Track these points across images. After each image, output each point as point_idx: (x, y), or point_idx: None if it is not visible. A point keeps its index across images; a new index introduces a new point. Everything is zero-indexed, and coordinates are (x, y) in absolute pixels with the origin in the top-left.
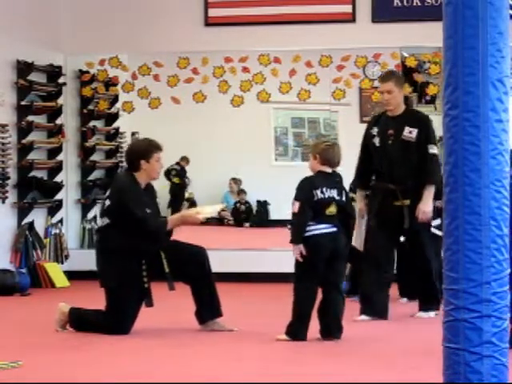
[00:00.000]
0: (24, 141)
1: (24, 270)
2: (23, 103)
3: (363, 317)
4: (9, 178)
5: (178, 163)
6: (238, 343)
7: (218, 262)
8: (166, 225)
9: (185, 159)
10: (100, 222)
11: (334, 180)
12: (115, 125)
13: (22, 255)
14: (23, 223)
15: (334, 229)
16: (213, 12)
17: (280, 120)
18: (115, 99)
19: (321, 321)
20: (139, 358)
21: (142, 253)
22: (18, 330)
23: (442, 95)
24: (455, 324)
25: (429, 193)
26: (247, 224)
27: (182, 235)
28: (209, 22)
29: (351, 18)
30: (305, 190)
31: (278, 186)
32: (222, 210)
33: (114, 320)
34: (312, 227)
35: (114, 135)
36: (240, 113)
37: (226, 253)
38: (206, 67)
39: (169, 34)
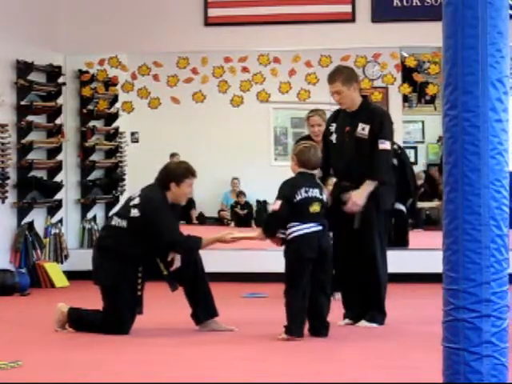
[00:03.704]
0: (23, 141)
1: (24, 270)
2: (23, 103)
3: (347, 320)
4: (8, 178)
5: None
6: (238, 343)
7: (218, 262)
8: (200, 244)
9: (175, 155)
10: (114, 220)
11: (315, 180)
12: (115, 125)
13: (22, 255)
14: (23, 223)
15: (320, 227)
16: (212, 12)
17: (280, 120)
18: (115, 99)
19: (308, 320)
20: (139, 357)
21: (140, 260)
22: (17, 330)
23: (442, 95)
24: (455, 324)
25: (367, 186)
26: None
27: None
28: (208, 22)
29: (351, 18)
30: (287, 189)
31: (277, 186)
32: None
33: (113, 320)
34: (297, 227)
35: (113, 135)
36: (240, 113)
37: (226, 253)
38: (205, 67)
39: (168, 34)
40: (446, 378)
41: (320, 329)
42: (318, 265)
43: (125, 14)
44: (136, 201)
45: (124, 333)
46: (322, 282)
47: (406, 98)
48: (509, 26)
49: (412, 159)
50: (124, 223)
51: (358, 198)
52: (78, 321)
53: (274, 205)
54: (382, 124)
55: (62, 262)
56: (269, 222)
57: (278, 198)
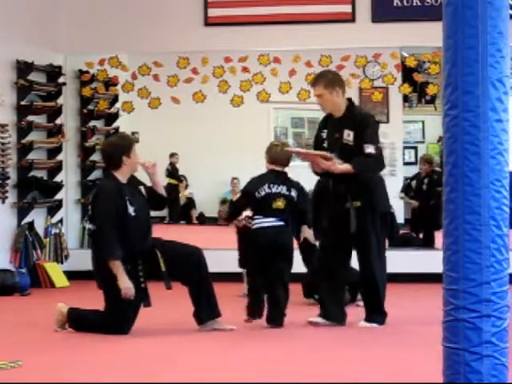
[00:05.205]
0: (24, 141)
1: (24, 270)
2: (23, 103)
3: (319, 319)
4: (9, 178)
5: (170, 163)
6: (238, 343)
7: (218, 262)
8: (113, 258)
9: (174, 155)
10: (89, 225)
11: (284, 178)
12: (115, 125)
13: (22, 255)
14: (23, 223)
15: (280, 223)
16: (212, 12)
17: (280, 120)
18: (115, 99)
19: (267, 308)
20: (139, 357)
21: (135, 253)
22: (17, 330)
23: (442, 95)
24: (455, 324)
25: (347, 166)
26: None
27: (180, 235)
28: (208, 22)
29: (351, 18)
30: (250, 185)
31: None
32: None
33: (114, 321)
34: (258, 220)
35: (113, 135)
36: (240, 113)
37: (226, 253)
38: (205, 67)
39: (168, 34)
40: (446, 378)
41: (275, 318)
42: (277, 257)
43: (125, 13)
44: (90, 198)
45: (124, 333)
46: (280, 273)
47: (406, 98)
48: (509, 26)
49: (412, 159)
50: (93, 225)
51: (336, 166)
52: (78, 321)
53: (236, 195)
54: (366, 129)
55: (62, 262)
56: (228, 211)
57: (241, 191)
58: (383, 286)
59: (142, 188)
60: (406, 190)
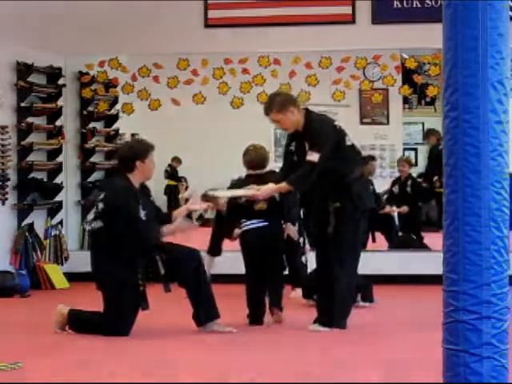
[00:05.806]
0: (24, 142)
1: (24, 272)
2: (23, 105)
3: (317, 327)
4: (9, 180)
5: (169, 164)
6: (238, 344)
7: (218, 264)
8: (159, 233)
9: (176, 159)
10: (93, 224)
11: (263, 180)
12: (115, 126)
13: (22, 257)
14: (23, 225)
15: (264, 223)
16: (212, 13)
17: None
18: (115, 101)
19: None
20: (139, 359)
21: (135, 255)
22: (17, 332)
23: (442, 97)
24: (455, 325)
25: (279, 186)
26: None
27: (181, 235)
28: (209, 24)
29: (351, 20)
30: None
31: None
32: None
33: (113, 322)
34: (244, 223)
35: (113, 137)
36: (240, 114)
37: (226, 254)
38: (205, 69)
39: (169, 36)
40: (446, 380)
41: (273, 302)
42: (267, 258)
43: (125, 15)
44: (102, 195)
45: (124, 334)
46: (271, 269)
47: (406, 100)
48: (509, 28)
49: (412, 161)
50: (100, 223)
51: (263, 190)
52: (78, 322)
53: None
54: (312, 137)
55: (62, 264)
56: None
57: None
58: (346, 287)
59: (151, 199)
60: (392, 199)
